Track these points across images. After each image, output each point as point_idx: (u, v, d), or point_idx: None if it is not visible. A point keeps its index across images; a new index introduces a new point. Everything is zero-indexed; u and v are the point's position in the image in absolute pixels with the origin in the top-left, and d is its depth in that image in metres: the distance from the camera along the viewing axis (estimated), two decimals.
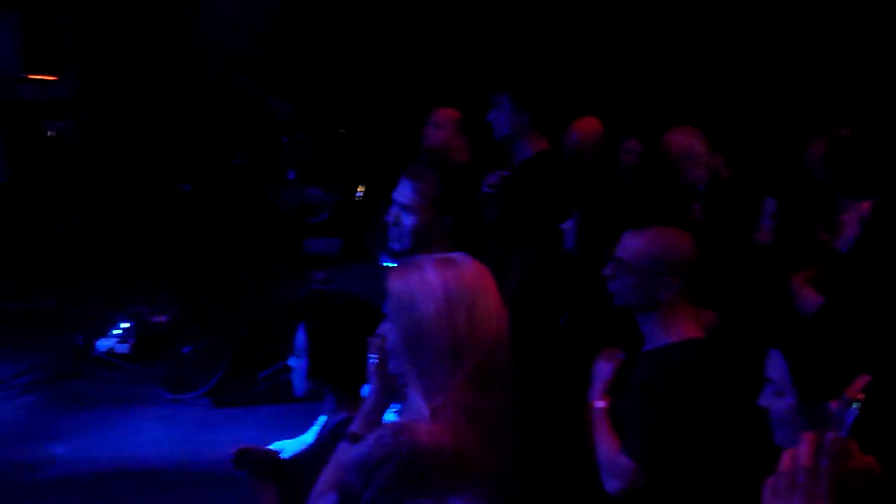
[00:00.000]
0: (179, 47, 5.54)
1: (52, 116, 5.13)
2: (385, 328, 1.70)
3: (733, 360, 2.13)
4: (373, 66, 5.73)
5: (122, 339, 4.34)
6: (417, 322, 1.59)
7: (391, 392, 1.75)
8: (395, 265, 1.94)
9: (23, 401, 3.95)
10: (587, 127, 4.48)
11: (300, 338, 2.09)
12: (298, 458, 2.33)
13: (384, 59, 5.72)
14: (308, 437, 2.37)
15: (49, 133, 4.87)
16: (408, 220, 2.64)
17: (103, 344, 4.31)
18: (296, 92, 5.50)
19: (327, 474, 1.77)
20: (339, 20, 5.72)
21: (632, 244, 2.13)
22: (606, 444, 2.06)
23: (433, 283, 1.60)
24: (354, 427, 1.77)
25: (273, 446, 2.44)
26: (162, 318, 4.53)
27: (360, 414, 1.79)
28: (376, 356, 1.72)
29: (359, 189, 5.49)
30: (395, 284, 1.64)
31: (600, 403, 2.12)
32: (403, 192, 2.66)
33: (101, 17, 5.21)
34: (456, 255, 1.67)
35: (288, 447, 2.47)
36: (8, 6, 5.62)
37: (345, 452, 1.69)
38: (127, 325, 4.39)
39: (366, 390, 1.89)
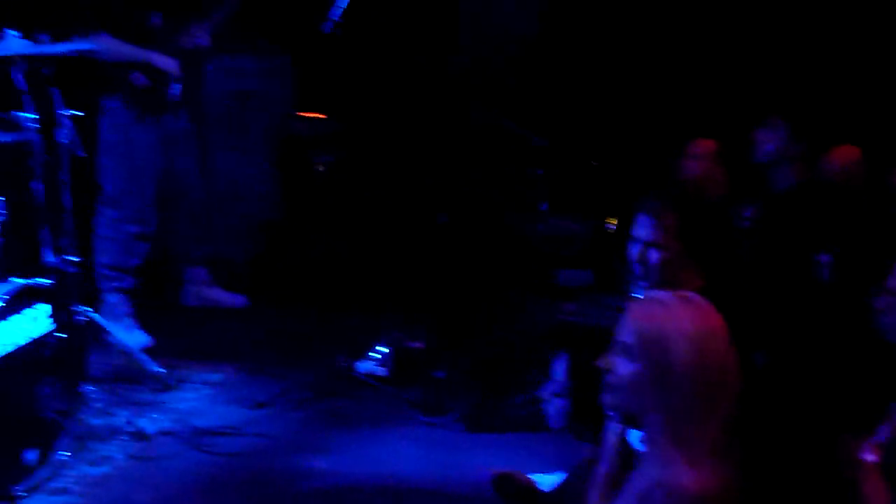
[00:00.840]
0: (439, 80, 5.73)
1: (320, 151, 5.43)
2: (617, 361, 1.63)
3: None
4: (626, 96, 5.69)
5: (380, 362, 4.51)
6: (668, 364, 1.53)
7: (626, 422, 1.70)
8: (638, 300, 1.89)
9: (290, 416, 4.18)
10: (850, 156, 4.24)
11: (558, 370, 2.07)
12: (556, 492, 2.30)
13: (638, 90, 5.66)
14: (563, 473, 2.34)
15: (318, 167, 5.16)
16: (653, 257, 2.58)
17: (363, 366, 4.50)
18: (550, 124, 5.54)
19: None
20: (589, 49, 5.72)
21: None
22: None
23: (685, 325, 1.54)
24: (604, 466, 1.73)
25: (532, 476, 2.44)
26: (418, 344, 4.69)
27: (604, 452, 1.75)
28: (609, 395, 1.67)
29: (610, 221, 5.45)
30: (640, 322, 1.58)
31: (871, 457, 1.97)
32: (645, 228, 2.60)
33: (365, 53, 5.47)
34: (693, 295, 1.60)
35: (545, 480, 2.45)
36: (281, 49, 6.08)
37: None
38: (385, 349, 4.56)
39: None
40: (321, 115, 5.62)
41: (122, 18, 4.86)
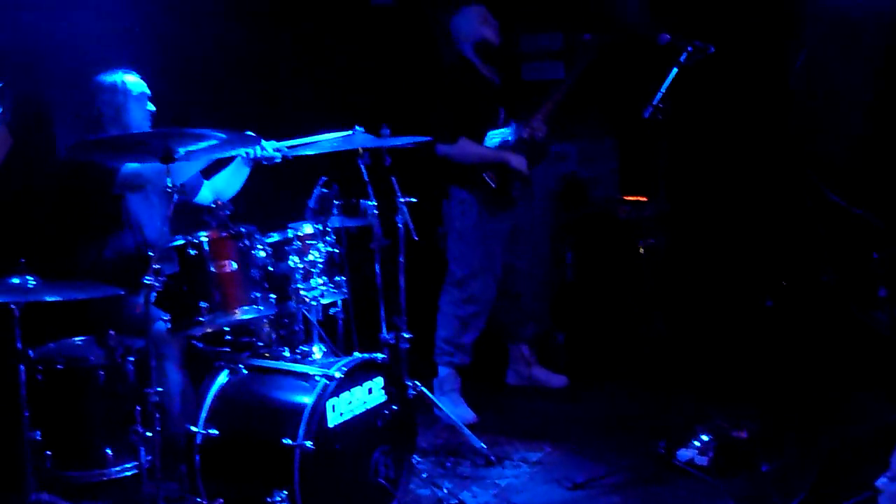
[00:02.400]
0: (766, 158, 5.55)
1: (643, 233, 5.39)
2: None
3: None
4: None
5: (701, 450, 4.31)
6: None
7: None
8: None
9: (606, 500, 4.10)
10: None
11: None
12: None
13: None
14: None
15: (640, 249, 5.13)
16: None
17: (684, 454, 4.32)
18: (886, 202, 5.13)
19: None
20: None
21: None
22: None
23: None
24: None
25: None
26: (742, 434, 4.44)
27: None
28: None
29: None
30: None
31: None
32: None
33: (686, 137, 5.41)
34: None
35: None
36: (608, 132, 6.19)
37: None
38: (707, 437, 4.36)
39: None
40: (643, 198, 5.60)
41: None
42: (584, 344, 6.12)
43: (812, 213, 5.37)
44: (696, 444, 4.35)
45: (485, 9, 5.37)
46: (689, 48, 4.20)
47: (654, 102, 4.11)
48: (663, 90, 4.13)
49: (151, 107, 4.17)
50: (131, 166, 3.87)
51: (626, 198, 5.92)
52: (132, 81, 4.12)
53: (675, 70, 4.18)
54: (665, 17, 5.58)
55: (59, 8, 4.49)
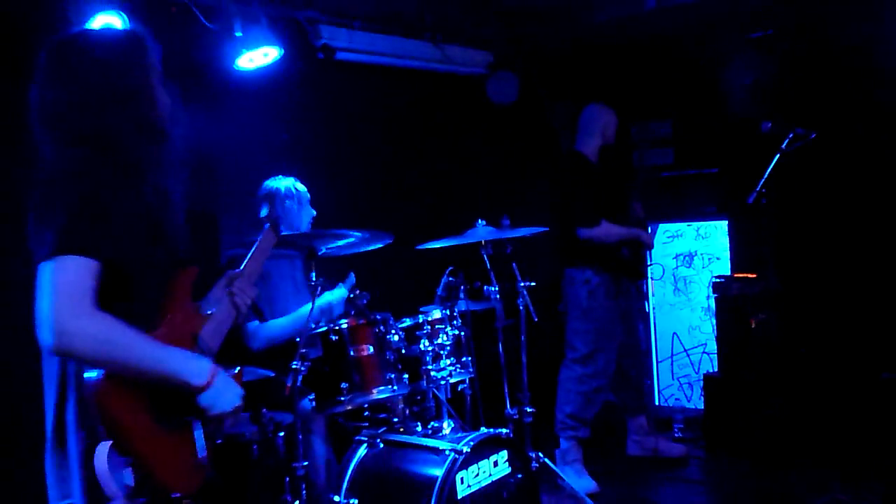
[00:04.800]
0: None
1: (755, 309, 5.36)
2: None
3: None
4: None
5: None
6: None
7: None
8: None
9: None
10: None
11: None
12: None
13: None
14: None
15: (752, 324, 5.10)
16: None
17: None
18: None
19: None
20: None
21: None
22: None
23: None
24: None
25: None
26: None
27: None
28: None
29: None
30: None
31: None
32: None
33: (790, 219, 5.38)
34: None
35: None
36: (719, 215, 6.22)
37: None
38: None
39: None
40: (753, 275, 5.57)
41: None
42: (706, 416, 6.04)
43: None
44: None
45: (611, 110, 5.53)
46: (790, 134, 4.24)
47: (758, 188, 4.15)
48: (766, 175, 4.17)
49: (313, 211, 4.45)
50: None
51: (736, 275, 5.89)
52: (301, 188, 4.42)
53: (776, 156, 4.23)
54: (770, 105, 5.62)
55: (228, 122, 4.83)
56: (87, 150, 2.15)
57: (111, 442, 1.96)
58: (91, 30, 2.32)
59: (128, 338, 2.00)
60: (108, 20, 3.83)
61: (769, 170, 4.20)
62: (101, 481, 1.93)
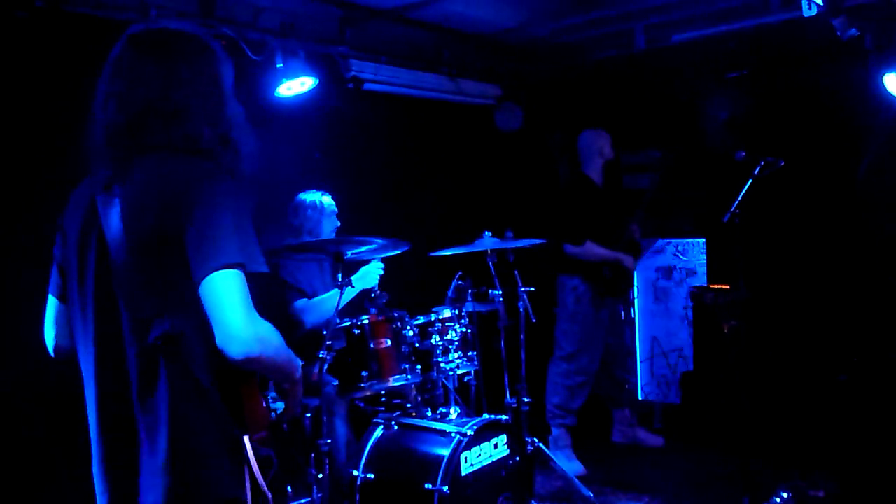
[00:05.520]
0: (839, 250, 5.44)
1: (727, 316, 5.33)
2: None
3: None
4: None
5: None
6: None
7: None
8: None
9: None
10: None
11: None
12: None
13: None
14: None
15: (724, 329, 5.07)
16: None
17: None
18: None
19: None
20: None
21: None
22: None
23: None
24: None
25: None
26: (819, 493, 4.30)
27: None
28: None
29: None
30: None
31: None
32: None
33: (760, 237, 5.37)
34: None
35: None
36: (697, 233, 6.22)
37: None
38: (787, 494, 4.24)
39: None
40: (726, 286, 5.55)
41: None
42: (680, 409, 6.03)
43: (882, 296, 5.22)
44: (777, 500, 4.24)
45: (604, 132, 5.54)
46: (761, 162, 4.23)
47: (732, 209, 4.15)
48: (739, 198, 4.17)
49: (337, 222, 4.47)
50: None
51: (711, 286, 5.88)
52: (328, 201, 4.45)
53: (749, 181, 4.22)
54: (743, 136, 5.63)
55: (269, 142, 4.86)
56: (219, 154, 1.94)
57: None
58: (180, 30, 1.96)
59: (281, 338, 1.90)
60: None
61: (742, 193, 4.19)
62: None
